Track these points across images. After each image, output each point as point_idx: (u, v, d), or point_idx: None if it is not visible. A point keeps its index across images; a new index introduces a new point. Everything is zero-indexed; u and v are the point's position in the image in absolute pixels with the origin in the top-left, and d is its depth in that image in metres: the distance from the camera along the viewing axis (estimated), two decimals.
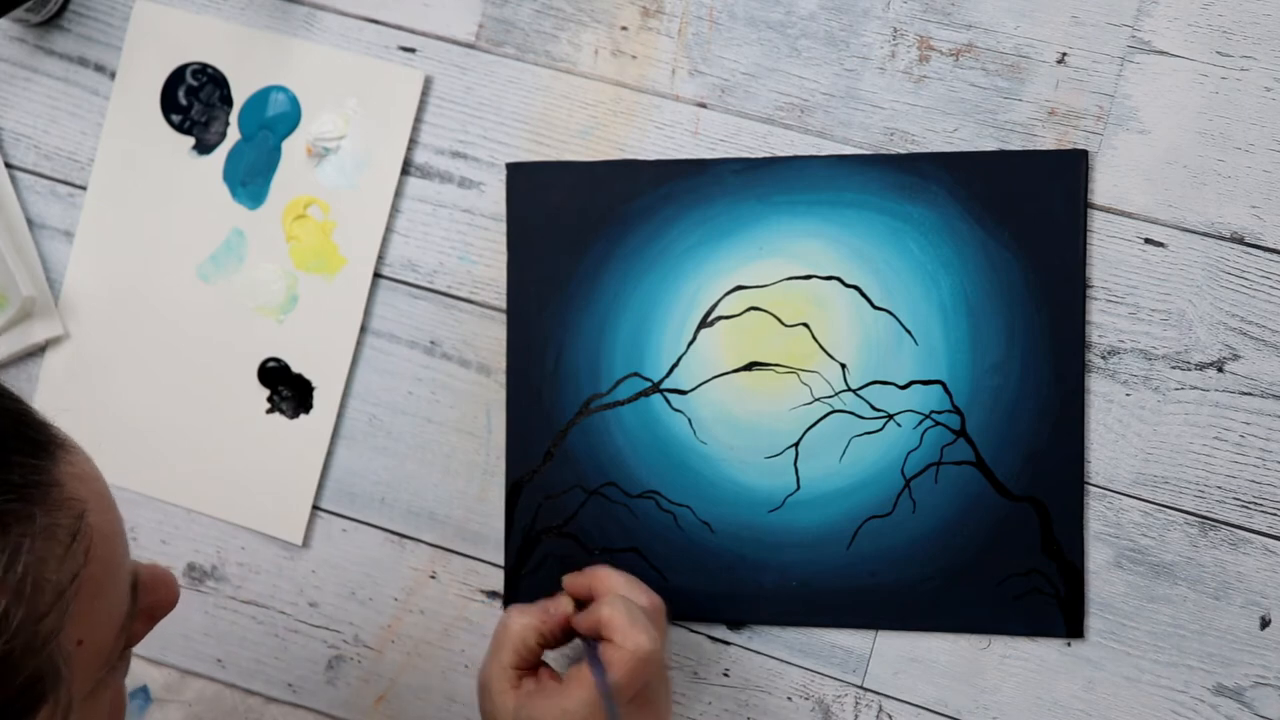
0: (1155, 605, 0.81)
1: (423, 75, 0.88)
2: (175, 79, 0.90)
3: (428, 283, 0.88)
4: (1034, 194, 0.81)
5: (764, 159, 0.84)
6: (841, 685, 0.84)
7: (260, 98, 0.89)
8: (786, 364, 0.83)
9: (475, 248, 0.87)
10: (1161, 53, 0.81)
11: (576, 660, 0.79)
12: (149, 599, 0.64)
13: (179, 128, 0.90)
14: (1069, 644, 0.82)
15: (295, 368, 0.89)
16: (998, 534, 0.81)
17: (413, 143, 0.88)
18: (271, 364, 0.89)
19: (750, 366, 0.84)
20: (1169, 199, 0.81)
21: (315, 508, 0.89)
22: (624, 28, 0.86)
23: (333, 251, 0.88)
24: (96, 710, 0.60)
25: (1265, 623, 0.80)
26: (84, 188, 0.91)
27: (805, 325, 0.83)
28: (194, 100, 0.90)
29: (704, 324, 0.84)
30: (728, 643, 0.85)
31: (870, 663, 0.84)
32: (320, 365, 0.89)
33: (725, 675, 0.85)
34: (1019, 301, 0.81)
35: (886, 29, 0.83)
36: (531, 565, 0.86)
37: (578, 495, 0.85)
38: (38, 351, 0.92)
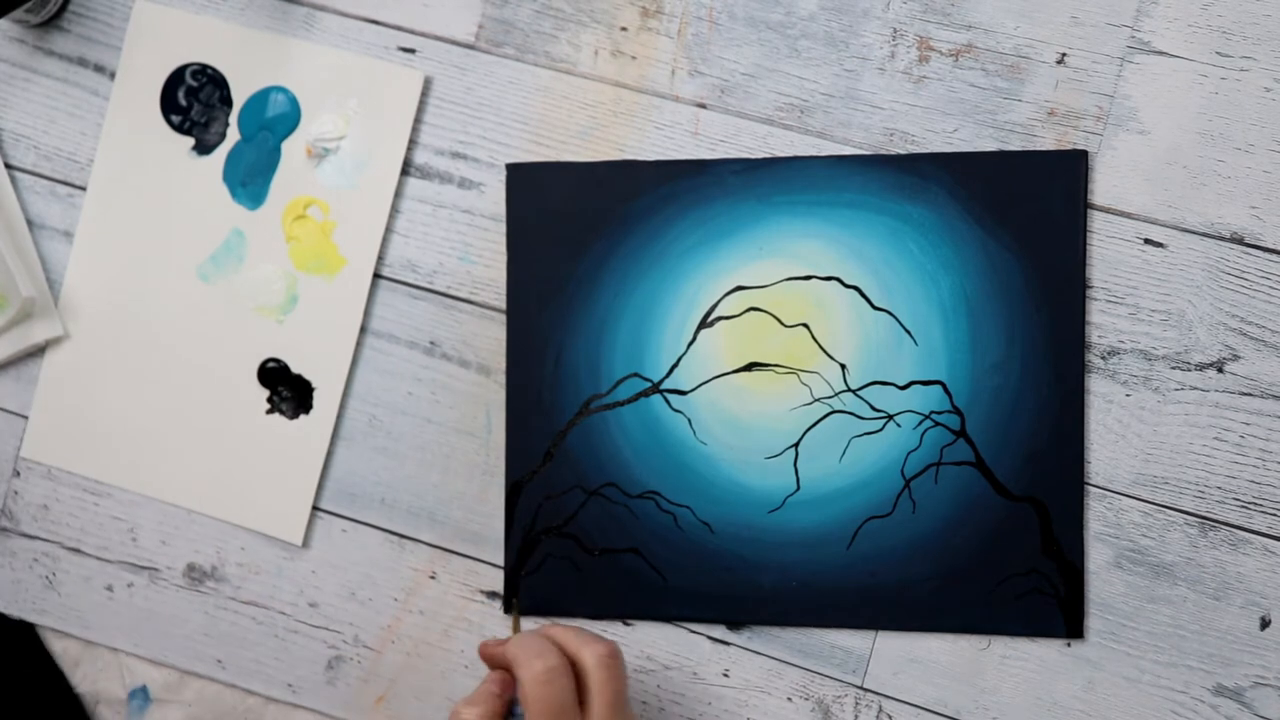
0: (1155, 605, 0.81)
1: (422, 76, 0.88)
2: (175, 79, 0.90)
3: (427, 283, 0.88)
4: (1034, 194, 0.81)
5: (764, 159, 0.84)
6: (841, 686, 0.84)
7: (260, 98, 0.89)
8: (786, 364, 0.83)
9: (475, 248, 0.87)
10: (1161, 53, 0.81)
11: None
12: None
13: (179, 128, 0.90)
14: (1069, 644, 0.82)
15: (295, 368, 0.89)
16: (998, 534, 0.81)
17: (413, 143, 0.88)
18: (271, 364, 0.89)
19: (750, 367, 0.84)
20: (1169, 199, 0.81)
21: (315, 508, 0.89)
22: (624, 28, 0.86)
23: (333, 252, 0.88)
24: None
25: (1265, 623, 0.80)
26: (83, 188, 0.91)
27: (805, 326, 0.83)
28: (194, 101, 0.90)
29: (704, 324, 0.84)
30: (727, 643, 0.85)
31: (870, 663, 0.84)
32: (320, 365, 0.89)
33: (725, 676, 0.85)
34: (1019, 301, 0.81)
35: (886, 29, 0.83)
36: (532, 565, 0.86)
37: (578, 495, 0.85)
38: (38, 351, 0.92)
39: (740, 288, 0.84)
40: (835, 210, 0.83)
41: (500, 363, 0.87)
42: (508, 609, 0.87)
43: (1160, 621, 0.81)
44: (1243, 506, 0.80)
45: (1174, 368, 0.80)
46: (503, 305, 0.87)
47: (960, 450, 0.82)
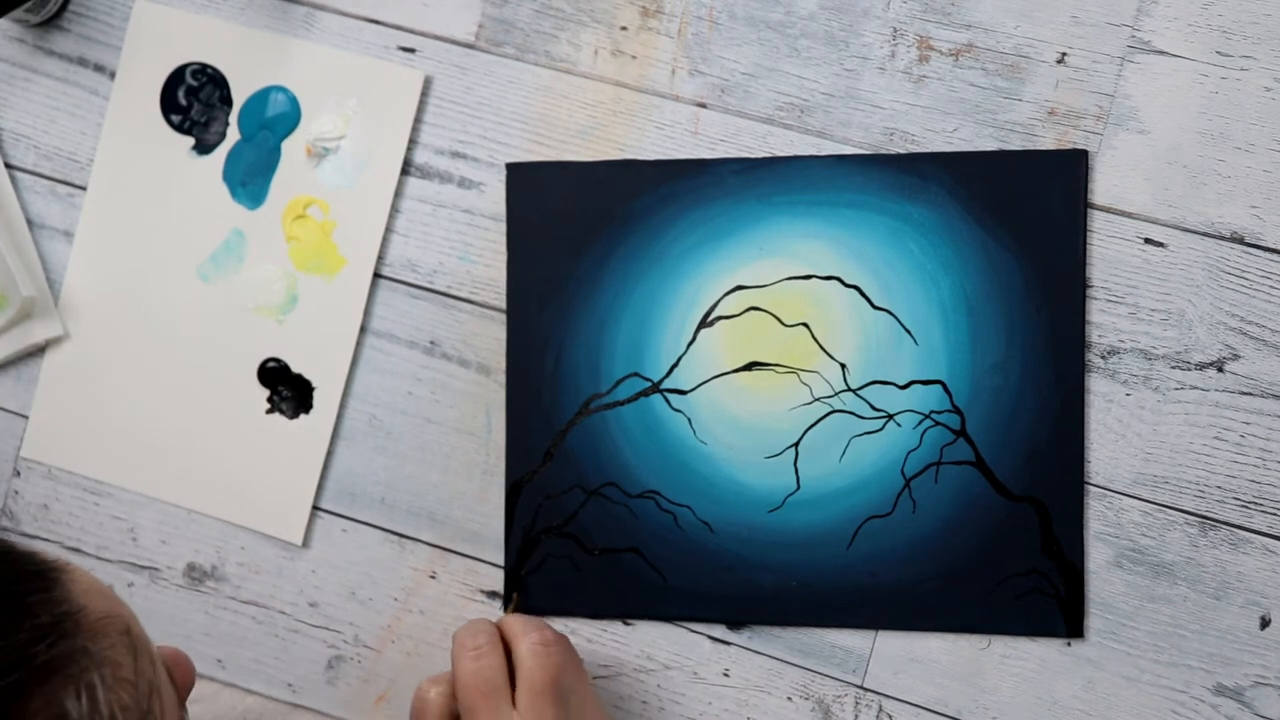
0: (1155, 605, 0.81)
1: (422, 75, 0.88)
2: (175, 79, 0.90)
3: (427, 283, 0.88)
4: (1034, 194, 0.81)
5: (764, 159, 0.84)
6: (841, 685, 0.84)
7: (260, 98, 0.89)
8: (786, 364, 0.83)
9: (475, 248, 0.87)
10: (1161, 52, 0.81)
11: None
12: (178, 680, 0.62)
13: (179, 128, 0.90)
14: (1069, 644, 0.82)
15: (295, 368, 0.89)
16: (998, 534, 0.81)
17: (412, 143, 0.88)
18: (271, 364, 0.89)
19: (750, 366, 0.84)
20: (1169, 199, 0.81)
21: (315, 508, 0.89)
22: (624, 28, 0.86)
23: (332, 251, 0.88)
24: None
25: (1265, 623, 0.80)
26: (84, 188, 0.91)
27: (805, 325, 0.83)
28: (194, 100, 0.90)
29: (704, 324, 0.84)
30: (727, 643, 0.85)
31: (870, 663, 0.84)
32: (320, 365, 0.89)
33: (725, 675, 0.85)
34: (1019, 301, 0.81)
35: (886, 29, 0.83)
36: (532, 565, 0.86)
37: (578, 495, 0.85)
38: (38, 351, 0.92)
39: (740, 287, 0.84)
40: (835, 210, 0.83)
41: (500, 363, 0.87)
42: (507, 608, 0.87)
43: (1160, 621, 0.81)
44: (1243, 506, 0.80)
45: (1174, 367, 0.80)
46: (503, 305, 0.87)
47: (960, 450, 0.82)
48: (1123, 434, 0.81)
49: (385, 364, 0.88)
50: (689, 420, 0.84)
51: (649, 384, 0.85)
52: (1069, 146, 0.81)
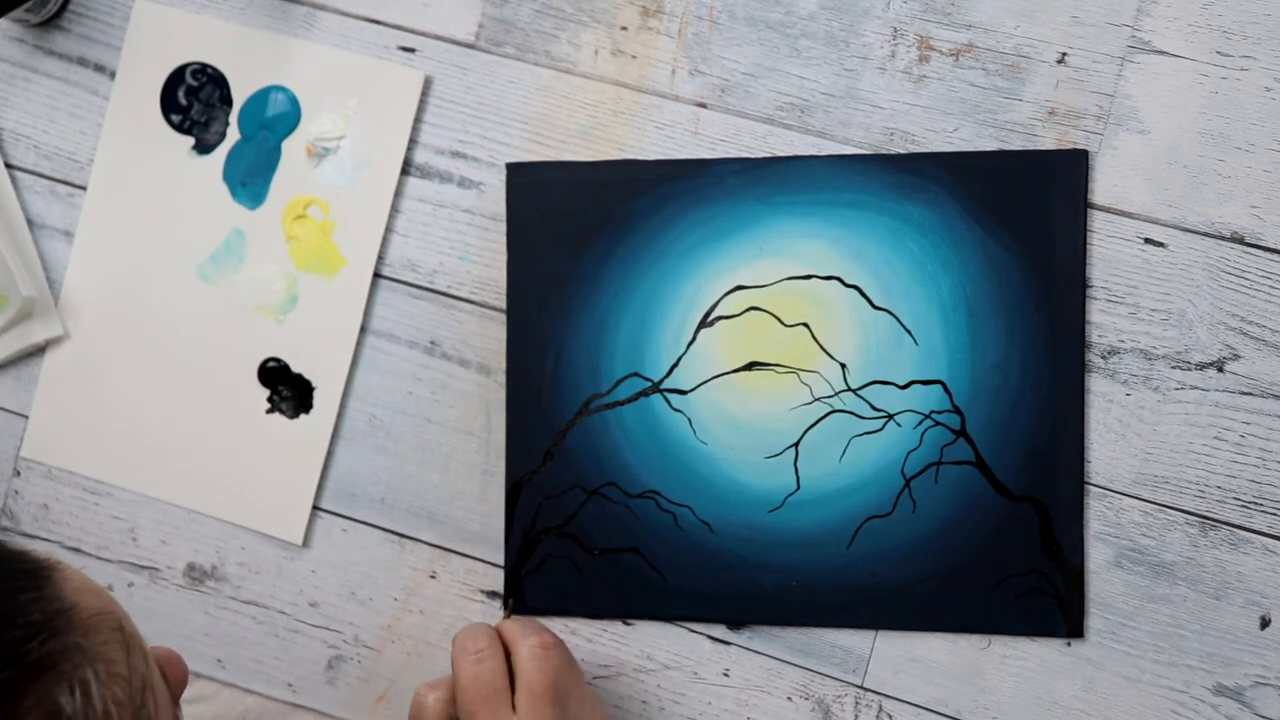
0: (1155, 605, 0.81)
1: (423, 75, 0.88)
2: (175, 79, 0.90)
3: (428, 283, 0.88)
4: (1034, 194, 0.81)
5: (764, 159, 0.84)
6: (841, 685, 0.84)
7: (260, 98, 0.89)
8: (786, 364, 0.83)
9: (475, 248, 0.87)
10: (1161, 52, 0.81)
11: None
12: (171, 680, 0.63)
13: (179, 128, 0.90)
14: (1069, 644, 0.82)
15: (295, 368, 0.89)
16: (998, 534, 0.81)
17: (412, 142, 0.88)
18: (271, 364, 0.89)
19: (750, 366, 0.84)
20: (1169, 199, 0.81)
21: (315, 508, 0.89)
22: (624, 28, 0.86)
23: (332, 251, 0.88)
24: None
25: (1265, 622, 0.80)
26: (84, 188, 0.91)
27: (805, 325, 0.83)
28: (194, 100, 0.90)
29: (704, 324, 0.84)
30: (727, 642, 0.85)
31: (870, 663, 0.84)
32: (320, 365, 0.88)
33: (725, 675, 0.85)
34: (1019, 301, 0.81)
35: (886, 29, 0.83)
36: (532, 565, 0.86)
37: (578, 495, 0.85)
38: (38, 351, 0.92)
39: (740, 287, 0.84)
40: (835, 210, 0.83)
41: (500, 363, 0.87)
42: (505, 612, 0.87)
43: (1160, 621, 0.81)
44: (1243, 506, 0.80)
45: (1174, 367, 0.80)
46: (503, 305, 0.87)
47: (960, 450, 0.82)
48: (1123, 434, 0.81)
49: (385, 364, 0.88)
50: (689, 420, 0.84)
51: (649, 384, 0.85)
52: (1069, 146, 0.81)
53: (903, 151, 0.83)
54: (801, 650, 0.84)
